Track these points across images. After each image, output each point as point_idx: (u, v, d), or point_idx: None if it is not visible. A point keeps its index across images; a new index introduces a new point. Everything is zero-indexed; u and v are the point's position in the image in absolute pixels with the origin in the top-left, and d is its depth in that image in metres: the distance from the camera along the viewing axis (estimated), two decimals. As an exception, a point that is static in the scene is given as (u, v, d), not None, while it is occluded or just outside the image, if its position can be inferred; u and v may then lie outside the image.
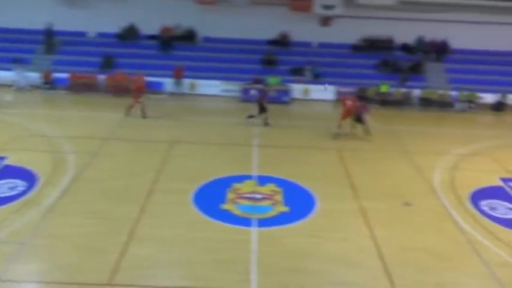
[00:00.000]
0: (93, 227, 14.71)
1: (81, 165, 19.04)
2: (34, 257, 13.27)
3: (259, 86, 30.16)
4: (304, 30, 34.26)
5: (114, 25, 33.73)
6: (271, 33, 34.32)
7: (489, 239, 15.19)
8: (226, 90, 31.13)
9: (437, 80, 32.93)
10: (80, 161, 19.38)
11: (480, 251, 14.49)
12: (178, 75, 30.29)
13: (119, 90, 29.94)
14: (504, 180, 19.87)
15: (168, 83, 30.61)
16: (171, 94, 30.44)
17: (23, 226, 14.61)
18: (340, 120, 23.91)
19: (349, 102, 24.05)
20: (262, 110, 25.05)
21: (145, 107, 25.25)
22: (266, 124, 24.87)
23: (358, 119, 23.93)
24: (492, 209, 17.32)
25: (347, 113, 23.92)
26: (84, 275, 12.49)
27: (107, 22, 33.50)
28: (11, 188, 17.01)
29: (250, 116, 25.11)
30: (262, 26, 33.72)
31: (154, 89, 29.89)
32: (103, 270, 12.63)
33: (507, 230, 15.90)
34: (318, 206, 16.65)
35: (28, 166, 18.71)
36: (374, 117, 27.46)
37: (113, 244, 13.81)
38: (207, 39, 34.64)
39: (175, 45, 33.85)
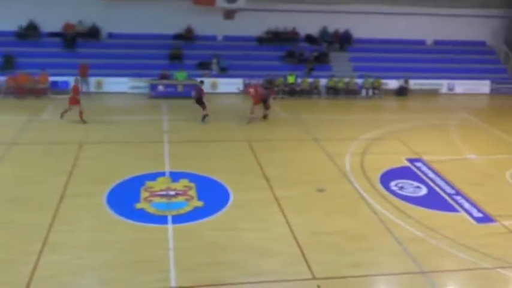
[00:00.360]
0: (2, 237, 13.88)
1: (-16, 173, 18.04)
2: None
3: (166, 81, 29.81)
4: (208, 23, 34.18)
5: (12, 23, 32.14)
6: (176, 28, 34.00)
7: (400, 217, 15.74)
8: (134, 87, 30.47)
9: (342, 68, 33.83)
10: (-18, 169, 18.34)
11: (392, 229, 14.95)
12: (83, 74, 29.26)
13: (21, 91, 28.59)
14: (410, 160, 20.65)
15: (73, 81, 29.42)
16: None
17: None
18: (252, 105, 24.62)
19: (251, 90, 25.00)
20: (202, 105, 25.04)
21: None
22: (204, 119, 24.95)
23: (265, 105, 25.45)
24: (401, 188, 17.95)
25: (257, 99, 24.92)
26: (-4, 289, 11.81)
27: (4, 20, 31.91)
28: None
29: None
30: (167, 20, 33.32)
31: (59, 88, 28.81)
32: (17, 283, 11.90)
33: (416, 207, 16.54)
34: (232, 198, 16.58)
35: None
36: (283, 107, 27.95)
37: (26, 254, 13.07)
38: (112, 35, 33.80)
39: (79, 43, 32.72)
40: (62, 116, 24.01)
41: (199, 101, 25.09)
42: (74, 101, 23.89)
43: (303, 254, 13.44)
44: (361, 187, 17.88)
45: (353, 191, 17.59)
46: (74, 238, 13.90)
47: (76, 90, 24.07)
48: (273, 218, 15.41)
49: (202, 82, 26.07)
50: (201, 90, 25.46)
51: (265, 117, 25.48)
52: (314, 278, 12.47)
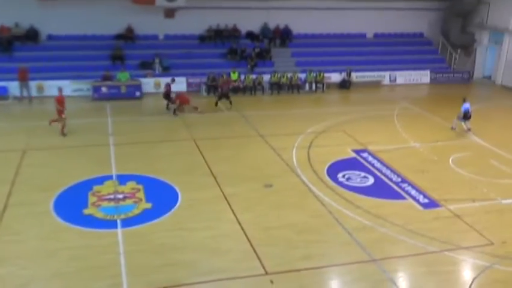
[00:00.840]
0: None
1: None
2: None
3: (109, 82, 29.34)
4: (149, 22, 33.88)
5: None
6: (117, 28, 33.44)
7: (348, 207, 15.94)
8: (77, 90, 29.81)
9: (284, 64, 34.05)
10: None
11: (341, 220, 15.14)
12: (23, 78, 28.38)
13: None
14: (356, 151, 20.96)
15: (12, 86, 28.62)
16: (18, 98, 28.53)
17: None
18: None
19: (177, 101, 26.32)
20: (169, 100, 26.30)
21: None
22: (175, 114, 26.24)
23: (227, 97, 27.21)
24: (348, 179, 18.18)
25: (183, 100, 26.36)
26: None
27: None
28: None
29: (174, 112, 26.24)
30: (107, 20, 32.78)
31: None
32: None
33: (364, 197, 16.80)
34: (181, 198, 16.44)
35: None
36: (227, 104, 27.84)
37: (-33, 267, 12.67)
38: (51, 37, 32.90)
39: (17, 46, 31.71)
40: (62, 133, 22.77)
41: (167, 96, 26.39)
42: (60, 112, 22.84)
43: (254, 250, 13.46)
44: (309, 180, 18.01)
45: (301, 184, 17.70)
46: (20, 248, 13.48)
47: (60, 100, 22.98)
48: (223, 216, 15.37)
49: (173, 80, 27.52)
50: (169, 87, 26.70)
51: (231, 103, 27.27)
52: (267, 273, 12.50)
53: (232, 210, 15.65)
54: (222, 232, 14.42)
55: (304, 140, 22.29)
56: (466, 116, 23.67)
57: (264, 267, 12.71)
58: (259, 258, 13.08)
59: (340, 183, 17.82)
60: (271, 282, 12.15)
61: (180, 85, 30.89)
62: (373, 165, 19.59)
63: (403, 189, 17.54)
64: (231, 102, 27.37)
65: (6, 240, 13.87)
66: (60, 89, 23.76)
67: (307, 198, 16.67)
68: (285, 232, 14.43)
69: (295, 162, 19.64)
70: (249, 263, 12.91)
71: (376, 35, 38.20)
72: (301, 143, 21.82)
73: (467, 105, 23.69)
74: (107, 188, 17.17)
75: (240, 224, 14.83)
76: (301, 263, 12.98)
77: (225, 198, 16.50)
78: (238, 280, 12.30)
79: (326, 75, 32.93)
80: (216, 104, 27.28)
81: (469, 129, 23.73)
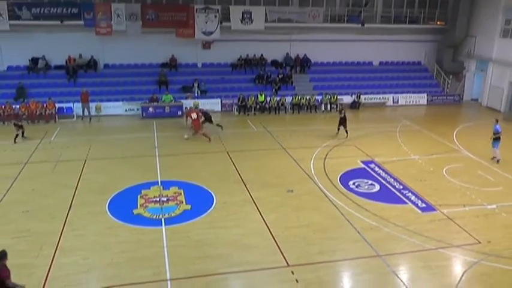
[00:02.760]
0: (21, 244, 13.60)
1: (4, 190, 17.56)
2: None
3: (155, 104, 29.65)
4: (189, 53, 34.16)
5: (23, 58, 31.86)
6: (162, 57, 33.82)
7: (358, 210, 15.84)
8: (129, 110, 30.22)
9: (304, 88, 33.95)
10: (2, 186, 17.84)
11: (351, 221, 15.05)
12: (84, 100, 28.89)
13: (32, 117, 28.13)
14: (364, 162, 20.80)
15: (76, 107, 29.11)
16: (80, 117, 29.03)
17: None
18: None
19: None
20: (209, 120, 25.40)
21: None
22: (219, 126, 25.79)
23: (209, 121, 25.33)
24: (358, 186, 18.05)
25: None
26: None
27: (17, 55, 31.60)
28: None
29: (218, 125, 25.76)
30: (154, 51, 33.29)
31: (64, 113, 28.49)
32: (33, 283, 11.74)
33: (371, 201, 16.67)
34: (215, 201, 16.52)
35: None
36: (255, 122, 27.93)
37: (41, 257, 12.92)
38: (108, 66, 33.51)
39: (80, 73, 32.37)
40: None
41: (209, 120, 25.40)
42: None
43: (278, 246, 13.47)
44: (324, 187, 17.94)
45: (317, 190, 17.63)
46: (81, 242, 13.72)
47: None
48: (251, 216, 15.39)
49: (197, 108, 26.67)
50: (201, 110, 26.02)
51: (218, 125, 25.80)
52: (288, 265, 12.51)
53: (259, 212, 15.68)
54: (250, 230, 14.44)
55: (320, 152, 22.20)
56: (496, 137, 21.13)
57: (286, 260, 12.72)
58: (281, 253, 13.08)
59: (351, 190, 17.70)
60: (292, 273, 12.13)
61: (215, 105, 31.17)
62: (379, 174, 19.42)
63: (404, 195, 17.36)
64: (219, 125, 25.72)
65: (71, 234, 14.14)
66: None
67: (323, 202, 16.59)
68: (303, 231, 14.40)
69: (312, 171, 19.57)
70: (273, 257, 12.92)
71: (381, 63, 37.94)
72: (318, 155, 21.74)
73: (498, 126, 21.30)
74: (153, 192, 17.34)
75: (265, 223, 14.86)
76: (317, 257, 12.96)
77: (253, 201, 16.53)
78: (264, 271, 12.32)
79: (339, 97, 32.72)
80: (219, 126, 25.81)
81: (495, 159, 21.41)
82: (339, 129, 25.10)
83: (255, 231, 14.36)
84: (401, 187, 18.06)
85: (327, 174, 19.26)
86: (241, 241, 13.76)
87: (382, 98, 34.38)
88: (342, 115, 25.13)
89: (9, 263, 12.44)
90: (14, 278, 11.83)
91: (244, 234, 14.18)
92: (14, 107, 28.12)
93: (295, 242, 13.75)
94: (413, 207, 16.35)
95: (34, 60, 32.01)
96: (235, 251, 13.24)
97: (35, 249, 13.34)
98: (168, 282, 11.85)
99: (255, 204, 16.31)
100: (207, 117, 25.34)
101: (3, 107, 28.03)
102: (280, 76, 34.09)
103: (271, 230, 14.39)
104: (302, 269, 12.41)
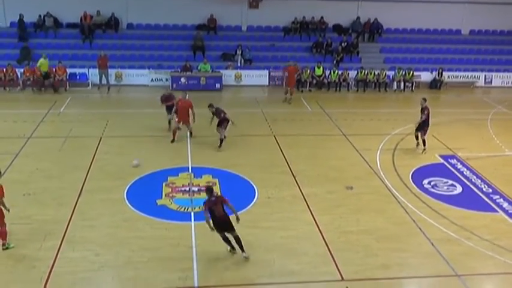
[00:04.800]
0: (20, 233, 14.06)
1: (3, 168, 18.09)
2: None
3: (188, 73, 29.94)
4: (232, 13, 34.40)
5: (30, 14, 32.55)
6: (199, 18, 34.14)
7: (433, 217, 15.62)
8: (156, 80, 30.65)
9: (372, 60, 33.66)
10: (0, 163, 18.52)
11: (424, 229, 14.86)
12: (102, 66, 29.48)
13: (38, 84, 29.01)
14: (444, 157, 20.48)
15: (92, 74, 29.77)
16: (97, 86, 29.68)
17: None
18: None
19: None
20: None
21: None
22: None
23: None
24: (434, 186, 17.82)
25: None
26: (13, 286, 12.00)
27: (23, 11, 32.25)
28: None
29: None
30: (189, 10, 33.64)
31: (77, 81, 29.14)
32: (34, 278, 12.19)
33: (450, 206, 16.40)
34: (257, 195, 16.65)
35: None
36: (310, 101, 27.85)
37: (44, 250, 13.35)
38: (131, 26, 34.08)
39: (97, 34, 33.05)
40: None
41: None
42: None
43: (331, 254, 13.46)
44: (392, 185, 17.79)
45: (383, 189, 17.51)
46: (93, 234, 14.08)
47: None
48: (300, 216, 15.44)
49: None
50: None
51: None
52: (343, 279, 12.48)
53: (311, 211, 15.70)
54: (299, 233, 14.48)
55: (389, 141, 21.99)
56: None
57: (340, 273, 12.68)
58: (335, 263, 13.06)
59: (425, 190, 17.48)
60: (347, 288, 12.15)
61: (262, 78, 31.22)
62: (461, 173, 19.08)
63: (493, 201, 16.99)
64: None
65: (81, 225, 14.54)
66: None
67: (390, 204, 16.46)
68: (364, 238, 14.34)
69: (378, 165, 19.43)
70: (324, 268, 12.93)
71: (472, 32, 36.96)
72: (386, 145, 21.54)
73: None
74: (181, 179, 17.62)
75: (317, 225, 14.87)
76: (380, 272, 12.86)
77: (304, 198, 16.56)
78: (312, 285, 12.34)
79: (416, 73, 32.26)
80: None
81: None
82: (417, 136, 21.19)
83: (304, 235, 14.39)
84: (490, 190, 17.70)
85: (396, 170, 19.10)
86: (286, 246, 13.82)
87: (471, 76, 33.65)
88: (424, 116, 20.77)
89: (7, 253, 13.04)
90: (11, 271, 12.50)
91: (291, 237, 14.23)
92: (17, 70, 29.04)
93: (353, 251, 13.72)
94: (506, 216, 15.99)
95: (44, 16, 32.86)
96: (279, 257, 13.30)
97: (37, 240, 13.77)
98: (196, 290, 12.05)
99: (306, 201, 16.34)
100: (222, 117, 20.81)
101: (4, 70, 28.95)
102: (343, 45, 33.85)
103: (323, 235, 14.40)
104: (360, 285, 12.36)
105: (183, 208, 15.71)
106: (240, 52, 32.37)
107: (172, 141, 21.11)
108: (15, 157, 19.26)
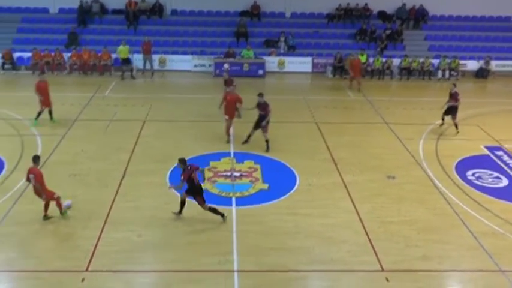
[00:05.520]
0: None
1: (50, 149, 18.70)
2: (4, 246, 13.05)
3: (231, 59, 29.98)
4: (276, -1, 34.10)
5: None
6: (242, 4, 34.15)
7: (476, 209, 15.33)
8: (199, 65, 30.81)
9: (416, 48, 33.06)
10: (48, 144, 19.04)
11: (467, 222, 14.60)
12: (146, 51, 29.78)
13: (85, 68, 29.56)
14: (489, 148, 20.04)
15: (136, 59, 30.04)
16: (141, 71, 29.99)
17: (-9, 213, 14.37)
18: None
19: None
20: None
21: None
22: None
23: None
24: (478, 178, 17.48)
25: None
26: (59, 263, 12.34)
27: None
28: (-22, 173, 16.72)
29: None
30: (232, -4, 33.60)
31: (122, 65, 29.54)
32: (78, 257, 12.50)
33: (494, 199, 16.06)
34: (298, 182, 16.62)
35: (-7, 151, 18.39)
36: (353, 88, 27.62)
37: (88, 229, 13.67)
38: (176, 12, 34.33)
39: (142, 20, 33.37)
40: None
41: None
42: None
43: (371, 244, 13.37)
44: (435, 175, 17.52)
45: (425, 179, 17.26)
46: (135, 215, 14.32)
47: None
48: (340, 204, 15.38)
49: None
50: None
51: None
52: (383, 269, 12.38)
53: (351, 200, 15.62)
54: (338, 221, 14.42)
55: (432, 131, 21.64)
56: None
57: (380, 263, 12.59)
58: (375, 253, 12.97)
59: (469, 182, 17.15)
60: (387, 280, 11.99)
61: (305, 65, 31.06)
62: (508, 165, 18.66)
63: (541, 195, 16.58)
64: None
65: (123, 206, 14.80)
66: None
67: (432, 195, 16.23)
68: (404, 228, 14.17)
69: (421, 155, 19.16)
70: (364, 257, 12.85)
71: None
72: (430, 134, 21.22)
73: None
74: (223, 164, 17.74)
75: (358, 214, 14.78)
76: (420, 263, 12.71)
77: (344, 185, 16.48)
78: (351, 274, 12.30)
79: (461, 62, 31.58)
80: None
81: None
82: (443, 118, 21.96)
83: (345, 223, 14.33)
84: (537, 184, 17.30)
85: (439, 160, 18.80)
86: (326, 233, 13.79)
87: (520, 66, 32.75)
88: (453, 101, 21.32)
89: (53, 230, 13.42)
90: (56, 249, 12.91)
91: (331, 225, 14.19)
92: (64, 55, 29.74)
93: (394, 241, 13.58)
94: (552, 211, 15.60)
95: (90, 3, 33.39)
96: (319, 244, 13.29)
97: (82, 219, 14.12)
98: (235, 274, 12.12)
99: (347, 189, 16.26)
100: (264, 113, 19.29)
101: (53, 54, 29.65)
102: (387, 32, 33.35)
103: (364, 224, 14.31)
104: (400, 276, 12.25)
105: (224, 193, 15.82)
106: (284, 39, 32.22)
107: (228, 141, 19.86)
108: (62, 139, 19.70)
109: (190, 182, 13.78)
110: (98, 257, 12.56)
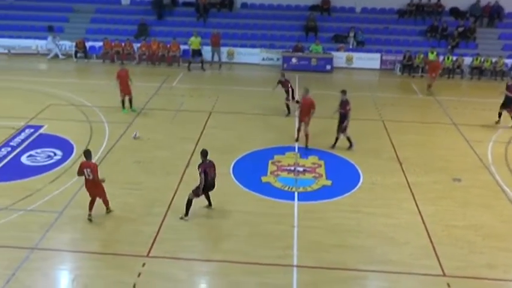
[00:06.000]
0: (130, 197, 14.93)
1: (117, 135, 19.22)
2: (70, 227, 13.54)
3: (300, 54, 29.88)
4: (346, -6, 33.85)
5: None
6: (312, -2, 33.91)
7: (547, 218, 14.73)
8: (267, 59, 30.86)
9: (489, 47, 31.99)
10: (115, 131, 19.59)
11: (536, 230, 14.07)
12: (215, 43, 30.08)
13: (153, 58, 30.14)
14: None
15: (205, 51, 30.31)
16: (209, 62, 30.28)
17: (59, 196, 14.94)
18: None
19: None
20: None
21: None
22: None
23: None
24: (551, 185, 16.79)
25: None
26: (121, 246, 12.71)
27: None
28: (49, 157, 17.45)
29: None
30: (303, -10, 33.49)
31: (190, 57, 29.87)
32: (140, 242, 12.84)
33: None
34: (362, 180, 16.45)
35: (64, 135, 19.09)
36: (421, 86, 27.06)
37: (151, 215, 14.01)
38: (246, 5, 34.54)
39: (212, 12, 33.79)
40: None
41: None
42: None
43: (434, 247, 13.08)
44: (503, 180, 16.93)
45: (493, 184, 16.72)
46: (198, 205, 14.38)
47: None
48: (404, 205, 15.11)
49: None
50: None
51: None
52: (444, 275, 12.09)
53: (415, 201, 15.32)
54: (401, 222, 14.18)
55: (503, 134, 20.94)
56: None
57: (442, 268, 12.31)
58: (437, 257, 12.69)
59: (541, 189, 16.55)
60: (448, 286, 11.72)
61: (373, 61, 30.66)
62: None
63: None
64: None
65: (186, 195, 14.51)
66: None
67: (499, 200, 15.71)
68: (469, 233, 13.78)
69: (489, 158, 18.56)
70: (425, 261, 12.59)
71: None
72: (500, 137, 20.54)
73: None
74: (287, 159, 17.74)
75: (421, 216, 14.49)
76: (485, 271, 12.33)
77: (409, 186, 16.20)
78: (411, 276, 12.06)
79: (537, 63, 30.47)
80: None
81: None
82: (500, 114, 21.93)
83: (407, 225, 14.09)
84: None
85: (508, 165, 18.18)
86: (388, 233, 13.60)
87: None
88: (510, 92, 21.57)
89: (117, 215, 13.93)
90: (119, 233, 13.32)
91: (394, 225, 13.98)
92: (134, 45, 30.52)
93: (457, 246, 13.23)
94: None
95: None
96: (380, 244, 13.12)
97: (146, 206, 14.51)
98: (294, 268, 12.11)
99: (411, 190, 15.97)
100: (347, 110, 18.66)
101: (123, 44, 30.42)
102: (459, 29, 32.43)
103: (427, 226, 14.01)
104: (462, 282, 11.94)
105: (287, 187, 15.81)
106: (353, 34, 31.86)
107: (297, 140, 19.23)
108: (129, 126, 20.18)
109: (205, 175, 13.56)
110: (159, 243, 12.85)
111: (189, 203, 13.72)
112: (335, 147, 18.79)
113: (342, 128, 18.58)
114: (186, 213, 13.80)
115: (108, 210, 14.02)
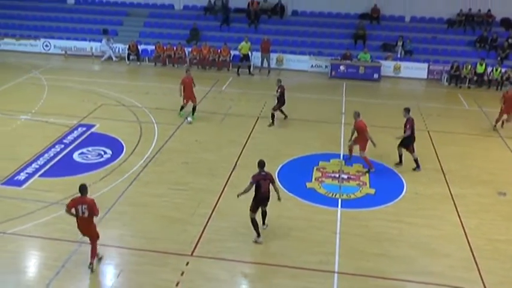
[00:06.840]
0: (177, 197, 15.19)
1: (166, 137, 19.56)
2: (117, 223, 13.88)
3: (348, 62, 29.74)
4: (396, 3, 33.70)
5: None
6: (362, 6, 33.82)
7: None
8: (315, 66, 30.82)
9: (541, 59, 31.19)
10: (164, 132, 19.93)
11: None
12: (265, 49, 30.19)
13: (204, 62, 30.53)
14: None
15: (254, 56, 30.48)
16: (258, 68, 30.42)
17: (108, 193, 15.31)
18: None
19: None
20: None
21: None
22: None
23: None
24: None
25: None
26: (165, 244, 12.94)
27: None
28: (99, 155, 17.89)
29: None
30: (353, -1, 33.31)
31: (240, 62, 30.07)
32: (184, 241, 13.06)
33: None
34: (406, 190, 16.30)
35: (115, 135, 19.56)
36: (468, 98, 26.55)
37: (196, 216, 14.23)
38: (296, 13, 34.57)
39: (263, 19, 33.94)
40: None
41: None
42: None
43: (475, 261, 12.86)
44: (551, 196, 16.50)
45: (540, 200, 16.31)
46: (243, 208, 14.35)
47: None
48: (447, 216, 14.89)
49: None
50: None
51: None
52: (485, 288, 11.88)
53: (458, 213, 15.08)
54: (443, 234, 13.99)
55: (551, 149, 20.42)
56: None
57: (483, 282, 12.09)
58: (479, 271, 12.46)
59: None
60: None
61: (420, 71, 30.28)
62: None
63: None
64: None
65: (232, 197, 14.55)
66: None
67: (546, 217, 15.30)
68: (512, 248, 13.53)
69: (536, 173, 18.14)
70: (466, 274, 12.39)
71: None
72: (548, 153, 20.02)
73: None
74: (332, 165, 17.73)
75: (463, 229, 14.26)
76: (529, 288, 12.05)
77: (452, 198, 15.96)
78: (450, 289, 11.90)
79: None
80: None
81: None
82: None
83: (449, 237, 13.88)
84: None
85: (555, 180, 17.69)
86: (430, 245, 13.44)
87: None
88: None
89: (163, 214, 14.18)
90: (165, 231, 13.56)
91: (435, 237, 13.80)
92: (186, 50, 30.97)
93: (500, 260, 12.97)
94: None
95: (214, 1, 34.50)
96: (421, 255, 12.98)
97: (192, 206, 14.73)
98: (335, 275, 12.11)
99: (454, 202, 15.72)
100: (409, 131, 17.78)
101: (174, 48, 30.94)
102: (510, 41, 31.65)
103: (469, 239, 13.77)
104: (504, 297, 11.74)
105: (331, 194, 15.81)
106: (401, 43, 31.50)
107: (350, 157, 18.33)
108: (177, 128, 20.53)
109: (257, 187, 12.98)
110: (203, 243, 13.04)
111: (253, 222, 13.11)
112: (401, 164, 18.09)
113: (411, 149, 17.83)
114: (258, 234, 13.14)
115: (92, 265, 11.94)
